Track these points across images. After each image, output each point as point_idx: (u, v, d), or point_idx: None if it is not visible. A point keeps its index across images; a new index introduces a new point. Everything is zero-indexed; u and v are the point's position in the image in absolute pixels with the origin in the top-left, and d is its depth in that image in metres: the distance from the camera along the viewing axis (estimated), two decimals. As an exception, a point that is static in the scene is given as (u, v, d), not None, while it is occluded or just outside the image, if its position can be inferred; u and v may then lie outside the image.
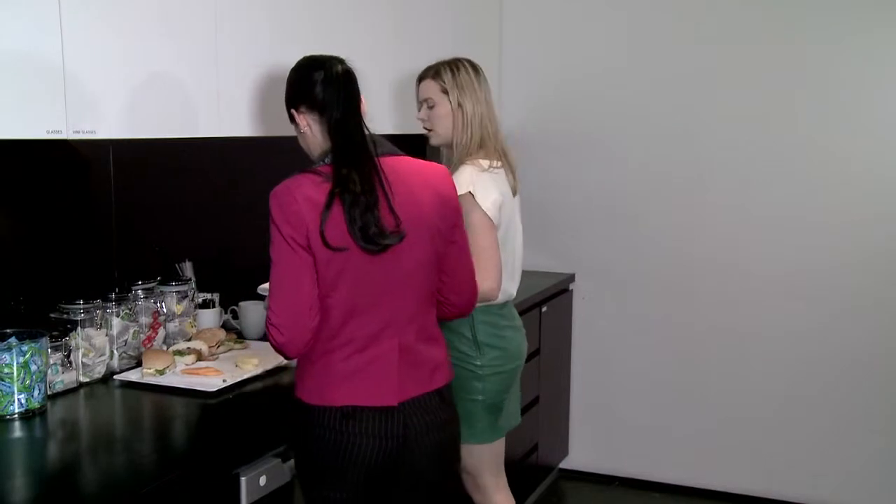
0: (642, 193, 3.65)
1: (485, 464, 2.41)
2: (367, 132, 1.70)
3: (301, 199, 1.61)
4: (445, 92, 2.33)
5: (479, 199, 2.22)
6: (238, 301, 2.60)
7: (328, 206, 1.59)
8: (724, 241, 3.54)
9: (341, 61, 1.74)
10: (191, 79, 2.06)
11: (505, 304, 2.42)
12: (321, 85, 1.70)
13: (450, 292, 1.83)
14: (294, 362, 1.88)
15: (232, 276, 2.68)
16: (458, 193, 2.05)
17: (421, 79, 2.40)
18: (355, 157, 1.64)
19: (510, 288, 2.42)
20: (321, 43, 1.98)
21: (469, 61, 2.39)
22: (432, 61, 2.40)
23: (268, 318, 1.64)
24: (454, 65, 2.36)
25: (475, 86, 2.33)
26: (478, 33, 3.56)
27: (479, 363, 2.33)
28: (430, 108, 2.36)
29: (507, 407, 2.42)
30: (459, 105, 2.32)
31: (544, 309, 3.40)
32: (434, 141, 2.39)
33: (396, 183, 1.68)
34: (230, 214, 2.73)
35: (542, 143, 3.77)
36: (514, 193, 2.39)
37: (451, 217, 1.76)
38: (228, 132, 2.17)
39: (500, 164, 2.34)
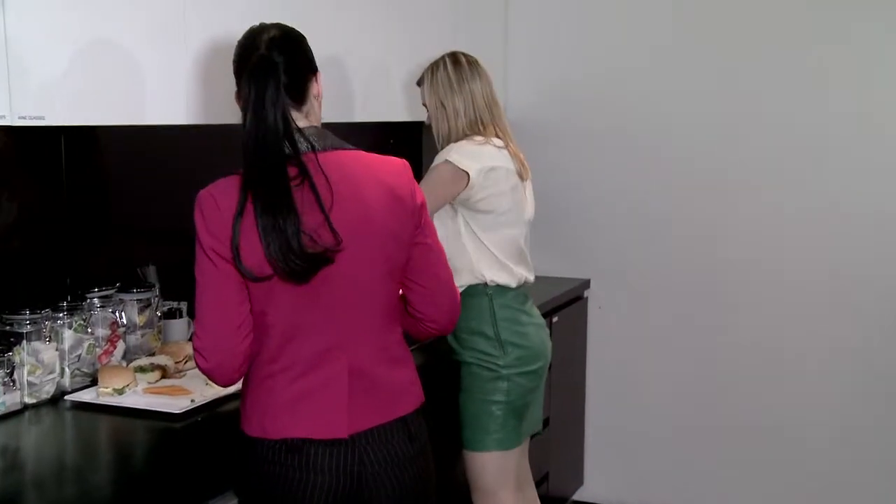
0: (665, 191, 3.65)
1: (503, 476, 2.48)
2: (293, 123, 1.60)
3: (225, 205, 1.57)
4: (426, 94, 2.56)
5: (457, 162, 2.40)
6: None
7: (238, 215, 1.55)
8: (758, 244, 3.54)
9: (279, 27, 1.68)
10: (155, 59, 2.04)
11: (525, 299, 2.58)
12: (240, 73, 1.64)
13: (424, 305, 1.77)
14: None
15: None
16: (433, 164, 2.35)
17: (417, 83, 2.64)
18: (267, 179, 1.55)
19: (523, 272, 2.55)
20: (308, 24, 1.93)
21: (452, 56, 2.57)
22: (433, 49, 2.63)
23: (192, 342, 1.63)
24: (434, 65, 2.57)
25: (452, 81, 2.51)
26: (481, 19, 3.61)
27: (501, 363, 2.46)
28: (426, 109, 2.59)
29: (532, 410, 2.55)
30: (442, 105, 2.52)
31: (555, 319, 3.40)
32: (437, 141, 2.55)
33: (340, 183, 1.62)
34: (164, 228, 2.66)
35: (553, 137, 3.78)
36: (523, 178, 2.56)
37: (410, 217, 1.70)
38: (199, 119, 2.16)
39: (502, 143, 2.50)
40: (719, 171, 3.57)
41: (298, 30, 1.72)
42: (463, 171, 2.42)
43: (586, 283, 3.79)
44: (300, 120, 1.66)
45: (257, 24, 1.70)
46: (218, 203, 1.58)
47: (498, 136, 2.53)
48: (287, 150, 1.58)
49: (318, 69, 1.73)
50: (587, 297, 3.82)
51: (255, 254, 1.56)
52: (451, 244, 2.46)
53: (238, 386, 1.96)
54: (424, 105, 2.60)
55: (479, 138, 2.49)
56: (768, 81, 3.47)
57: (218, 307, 1.59)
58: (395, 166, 1.73)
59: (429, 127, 2.60)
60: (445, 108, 2.52)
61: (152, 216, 2.61)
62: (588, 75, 3.73)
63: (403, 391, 1.74)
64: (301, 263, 1.55)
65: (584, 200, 3.78)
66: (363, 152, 1.72)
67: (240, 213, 1.55)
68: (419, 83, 2.61)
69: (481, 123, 2.52)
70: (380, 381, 1.69)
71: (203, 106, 2.17)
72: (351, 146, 1.71)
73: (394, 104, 3.00)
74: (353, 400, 1.65)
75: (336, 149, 1.67)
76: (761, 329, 3.57)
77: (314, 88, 1.71)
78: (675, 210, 3.64)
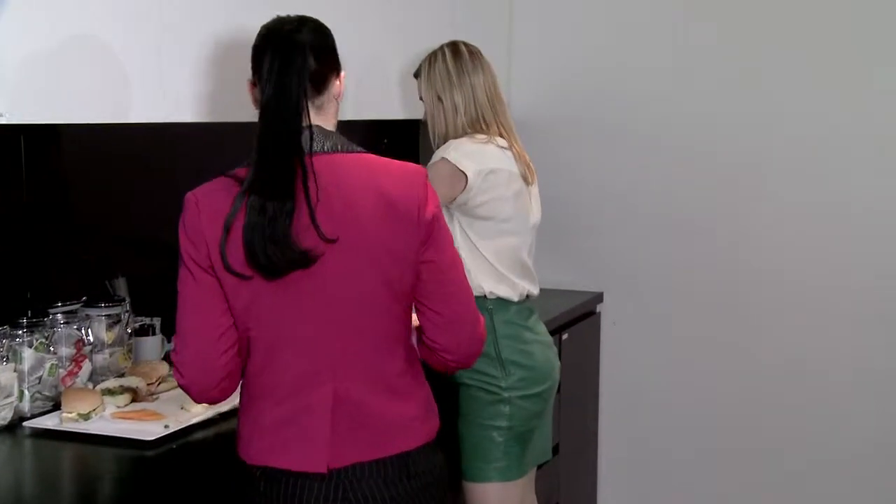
0: (685, 194, 3.66)
1: None
2: (307, 121, 1.63)
3: (206, 210, 1.61)
4: (423, 88, 2.56)
5: (455, 160, 2.40)
6: None
7: (231, 216, 1.58)
8: (791, 252, 3.55)
9: (309, 17, 1.72)
10: (126, 51, 2.05)
11: (530, 314, 2.57)
12: (264, 49, 1.66)
13: (437, 333, 1.73)
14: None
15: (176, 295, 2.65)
16: (429, 164, 2.40)
17: (415, 76, 2.63)
18: (277, 153, 1.58)
19: (526, 285, 2.54)
20: (294, 10, 1.96)
21: (451, 45, 2.57)
22: (432, 41, 2.62)
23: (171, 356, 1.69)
24: (432, 55, 2.57)
25: (451, 73, 2.51)
26: (484, 5, 3.64)
27: (503, 385, 2.46)
28: (424, 107, 2.59)
29: (537, 437, 2.54)
30: (439, 99, 2.52)
31: (564, 336, 3.39)
32: (432, 139, 2.56)
33: (331, 187, 1.62)
34: (174, 218, 2.68)
35: (562, 136, 3.79)
36: (528, 182, 2.54)
37: (412, 231, 1.66)
38: (173, 116, 2.17)
39: (505, 143, 2.51)
40: (743, 173, 3.58)
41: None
42: (461, 171, 2.41)
43: (599, 297, 3.78)
44: (311, 111, 1.67)
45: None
46: (199, 206, 1.61)
47: (502, 136, 2.53)
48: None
49: (343, 69, 1.77)
50: (600, 312, 3.81)
51: (238, 250, 1.58)
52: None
53: (218, 408, 2.11)
54: (421, 99, 2.59)
55: (480, 137, 2.49)
56: (793, 76, 3.48)
57: (195, 319, 1.63)
58: (404, 173, 1.69)
59: (426, 124, 2.59)
60: (443, 104, 2.52)
61: (122, 223, 2.62)
62: (599, 69, 3.74)
63: (403, 427, 1.69)
64: (279, 256, 1.56)
65: (595, 205, 3.78)
66: (371, 156, 1.70)
67: (234, 211, 1.58)
68: (416, 75, 2.61)
69: (483, 121, 2.52)
70: (372, 412, 1.66)
71: (195, 103, 2.19)
72: (360, 149, 1.71)
73: (388, 100, 3.01)
74: (336, 431, 1.63)
75: (336, 151, 1.67)
76: (791, 346, 3.57)
77: (335, 86, 1.74)
78: (696, 215, 3.65)
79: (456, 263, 1.75)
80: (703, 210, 3.63)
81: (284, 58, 1.61)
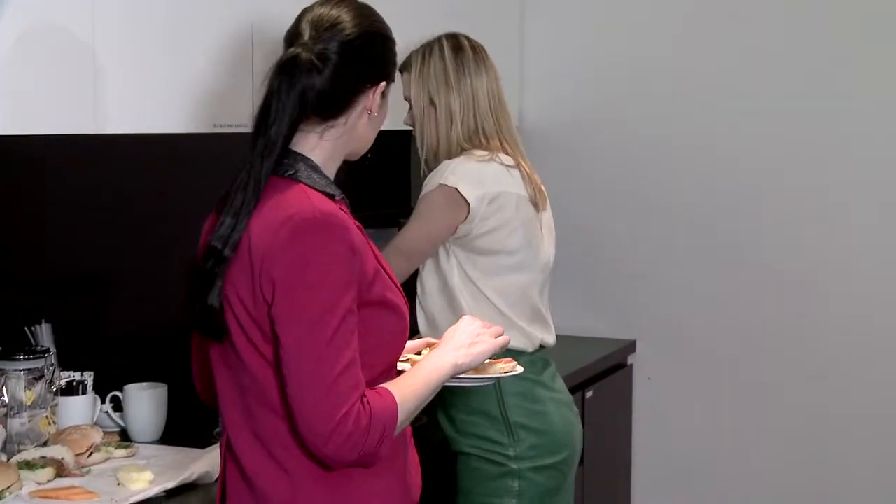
0: (737, 218, 3.66)
1: None
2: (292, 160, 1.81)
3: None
4: (413, 86, 2.54)
5: (458, 185, 2.42)
6: (122, 384, 2.58)
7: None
8: (871, 291, 3.53)
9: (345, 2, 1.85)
10: (52, 50, 2.05)
11: (545, 366, 2.55)
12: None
13: (291, 408, 1.75)
14: (202, 475, 2.18)
15: (113, 345, 2.68)
16: (429, 187, 2.46)
17: (401, 70, 2.56)
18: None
19: (538, 332, 2.53)
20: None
21: (452, 38, 2.57)
22: (427, 39, 2.60)
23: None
24: (428, 48, 2.55)
25: (449, 72, 2.50)
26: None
27: (511, 454, 2.44)
28: (410, 107, 2.57)
29: None
30: (431, 102, 2.51)
31: (588, 394, 3.37)
32: (420, 152, 2.56)
33: None
34: (111, 252, 2.73)
35: (581, 148, 3.78)
36: (538, 207, 2.55)
37: (252, 285, 1.71)
38: (112, 127, 2.18)
39: (511, 161, 2.50)
40: (813, 189, 3.58)
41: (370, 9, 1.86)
42: (462, 197, 2.41)
43: (630, 346, 3.78)
44: (305, 144, 1.79)
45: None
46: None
47: (506, 152, 2.52)
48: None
49: (391, 75, 1.87)
50: (632, 365, 3.81)
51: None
52: (437, 297, 2.49)
53: (164, 485, 2.18)
54: (407, 99, 2.57)
55: (480, 153, 2.48)
56: (860, 77, 3.52)
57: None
58: (279, 213, 1.72)
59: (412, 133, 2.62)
60: (436, 109, 2.51)
61: (46, 259, 2.60)
62: (626, 70, 3.75)
63: (278, 498, 1.76)
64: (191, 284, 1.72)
65: (623, 235, 3.77)
66: (293, 186, 1.75)
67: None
68: (403, 68, 2.56)
69: (483, 134, 2.52)
70: (252, 474, 1.77)
71: (127, 109, 2.21)
72: (300, 178, 1.76)
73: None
74: (230, 491, 1.81)
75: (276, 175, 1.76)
76: (867, 404, 3.55)
77: (362, 101, 1.82)
78: (750, 247, 3.65)
79: (297, 352, 1.71)
80: (759, 241, 3.64)
81: (286, 82, 1.73)
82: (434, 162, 2.53)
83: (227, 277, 1.71)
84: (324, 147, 1.80)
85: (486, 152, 2.48)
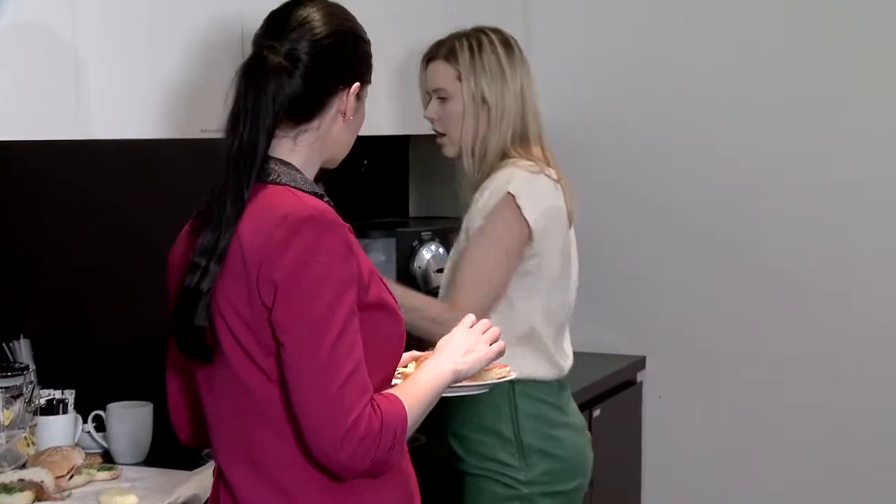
0: (753, 225, 3.66)
1: None
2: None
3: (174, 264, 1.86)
4: (462, 79, 2.49)
5: (521, 201, 2.39)
6: (105, 402, 2.58)
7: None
8: (885, 310, 3.54)
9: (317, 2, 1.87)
10: (31, 51, 2.06)
11: (561, 390, 2.56)
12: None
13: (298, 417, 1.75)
14: (189, 498, 2.16)
15: (96, 363, 2.69)
16: (491, 202, 2.42)
17: (428, 59, 2.57)
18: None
19: (562, 361, 2.54)
20: None
21: (497, 32, 2.55)
22: (437, 34, 2.60)
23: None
24: (475, 38, 2.51)
25: (504, 69, 2.48)
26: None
27: (523, 477, 2.44)
28: (442, 100, 2.52)
29: None
30: (482, 99, 2.47)
31: (596, 413, 3.37)
32: (449, 150, 2.54)
33: None
34: (94, 260, 2.74)
35: (590, 152, 3.77)
36: (571, 222, 2.56)
37: (249, 291, 1.71)
38: (95, 132, 2.19)
39: (555, 175, 2.51)
40: (836, 196, 3.59)
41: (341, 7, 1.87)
42: (524, 219, 2.41)
43: (640, 362, 3.78)
44: (280, 149, 1.79)
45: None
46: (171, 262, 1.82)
47: (547, 162, 2.51)
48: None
49: (365, 76, 1.89)
50: (641, 382, 3.82)
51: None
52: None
53: None
54: (433, 92, 2.53)
55: (526, 163, 2.46)
56: (860, 77, 3.55)
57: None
58: (271, 216, 1.72)
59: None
60: (489, 107, 2.47)
61: (24, 271, 2.60)
62: (636, 62, 3.76)
63: None
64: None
65: (634, 243, 3.78)
66: (278, 189, 1.76)
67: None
68: (431, 57, 2.54)
69: (526, 138, 2.50)
70: (238, 491, 1.78)
71: (111, 114, 2.21)
72: (283, 181, 1.78)
73: (370, 111, 2.98)
74: None
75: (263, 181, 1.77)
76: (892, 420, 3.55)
77: (335, 104, 1.83)
78: (768, 257, 3.65)
79: (308, 357, 1.72)
80: (782, 250, 3.63)
81: (254, 85, 1.74)
82: (473, 162, 2.51)
83: (217, 291, 1.71)
84: (299, 153, 1.82)
85: (531, 163, 2.47)
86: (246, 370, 1.72)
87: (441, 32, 2.64)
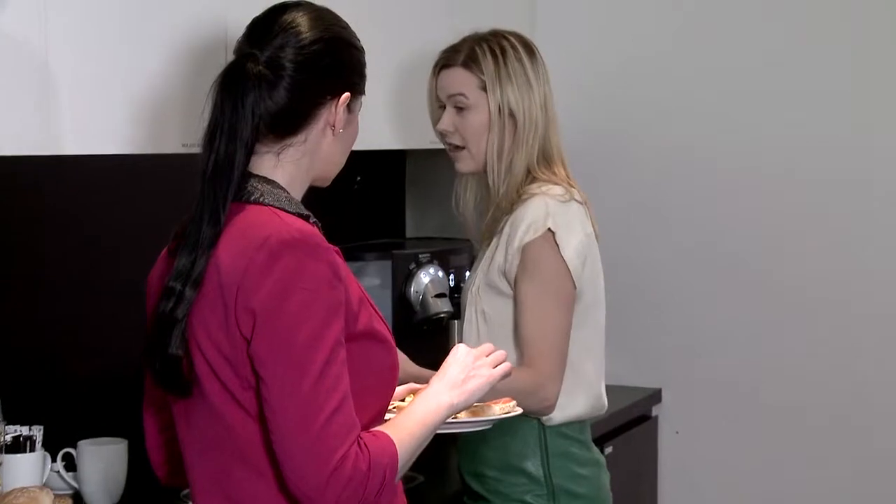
0: (774, 248, 3.67)
1: None
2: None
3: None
4: (484, 89, 2.47)
5: (560, 239, 2.39)
6: (75, 440, 2.57)
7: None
8: None
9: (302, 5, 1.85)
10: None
11: (584, 425, 2.56)
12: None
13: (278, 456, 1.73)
14: None
15: (66, 396, 2.69)
16: (528, 238, 2.42)
17: (444, 65, 2.53)
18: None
19: (604, 397, 2.58)
20: None
21: (517, 36, 2.53)
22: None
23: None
24: (497, 44, 2.49)
25: (530, 78, 2.46)
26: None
27: None
28: (459, 110, 2.49)
29: None
30: (509, 112, 2.45)
31: (608, 450, 3.35)
32: (465, 166, 2.52)
33: None
34: (64, 286, 2.73)
35: (602, 167, 3.77)
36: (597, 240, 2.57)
37: (226, 318, 1.70)
38: (67, 148, 2.19)
39: (581, 198, 2.51)
40: (853, 219, 3.61)
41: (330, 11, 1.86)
42: (563, 260, 2.41)
43: (655, 395, 3.79)
44: (263, 166, 1.79)
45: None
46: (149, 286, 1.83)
47: (569, 183, 2.50)
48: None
49: (357, 86, 1.87)
50: (657, 416, 3.83)
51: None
52: (500, 341, 2.35)
53: None
54: (449, 100, 2.50)
55: (554, 189, 2.44)
56: None
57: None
58: (251, 238, 1.71)
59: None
60: (515, 121, 2.45)
61: None
62: (651, 68, 3.78)
63: None
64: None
65: (649, 265, 3.79)
66: (259, 209, 1.75)
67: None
68: (446, 65, 2.51)
69: (550, 156, 2.49)
70: None
71: (86, 129, 2.21)
72: (265, 200, 1.76)
73: (366, 124, 2.98)
74: None
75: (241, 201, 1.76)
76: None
77: (323, 116, 1.81)
78: (791, 279, 3.65)
79: (291, 387, 1.71)
80: (802, 275, 3.64)
81: (231, 96, 1.73)
82: (498, 181, 2.49)
83: (193, 319, 1.70)
84: (283, 169, 1.80)
85: (561, 189, 2.45)
86: (224, 404, 1.71)
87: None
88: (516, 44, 2.48)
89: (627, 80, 3.82)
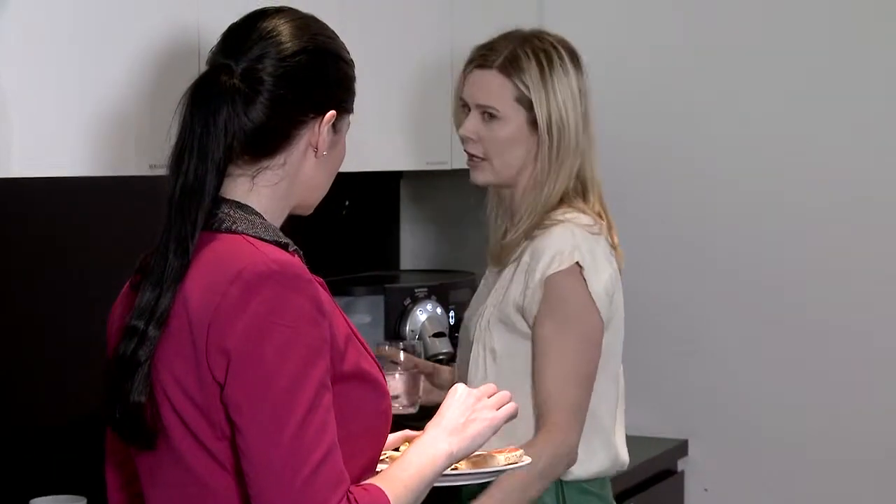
0: (822, 283, 3.69)
1: None
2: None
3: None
4: (521, 101, 2.46)
5: (588, 274, 2.40)
6: (29, 497, 2.57)
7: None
8: None
9: (284, 13, 1.84)
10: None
11: (605, 479, 2.57)
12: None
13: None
14: None
15: (18, 449, 2.69)
16: (552, 269, 2.43)
17: (478, 65, 2.52)
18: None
19: (624, 453, 2.58)
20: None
21: (563, 42, 2.52)
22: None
23: None
24: (543, 51, 2.47)
25: (576, 94, 2.46)
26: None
27: None
28: (489, 119, 2.48)
29: None
30: (548, 129, 2.44)
31: None
32: (482, 176, 2.52)
33: None
34: (15, 325, 2.75)
35: (620, 187, 3.72)
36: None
37: (194, 358, 1.71)
38: (17, 170, 2.20)
39: (613, 240, 2.53)
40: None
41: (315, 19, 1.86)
42: (591, 298, 2.44)
43: (681, 447, 3.80)
44: (236, 190, 1.78)
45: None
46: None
47: (599, 215, 2.52)
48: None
49: (344, 103, 1.86)
50: (683, 471, 3.83)
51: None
52: (517, 391, 2.29)
53: None
54: (477, 108, 2.49)
55: (586, 220, 2.47)
56: None
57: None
58: (223, 271, 1.71)
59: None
60: (553, 140, 2.46)
61: None
62: (677, 70, 3.84)
63: None
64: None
65: (675, 302, 3.83)
66: (232, 238, 1.75)
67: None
68: (484, 63, 2.48)
69: (585, 184, 2.52)
70: None
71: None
72: (238, 228, 1.76)
73: (359, 145, 2.97)
74: None
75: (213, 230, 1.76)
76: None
77: (304, 136, 1.80)
78: (841, 318, 3.66)
79: (268, 432, 1.71)
80: (851, 315, 3.66)
81: (202, 112, 1.73)
82: (524, 203, 2.50)
83: (158, 362, 1.69)
84: (260, 194, 1.79)
85: (590, 219, 2.48)
86: (194, 457, 1.70)
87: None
88: (562, 52, 2.47)
89: (639, 82, 3.86)
